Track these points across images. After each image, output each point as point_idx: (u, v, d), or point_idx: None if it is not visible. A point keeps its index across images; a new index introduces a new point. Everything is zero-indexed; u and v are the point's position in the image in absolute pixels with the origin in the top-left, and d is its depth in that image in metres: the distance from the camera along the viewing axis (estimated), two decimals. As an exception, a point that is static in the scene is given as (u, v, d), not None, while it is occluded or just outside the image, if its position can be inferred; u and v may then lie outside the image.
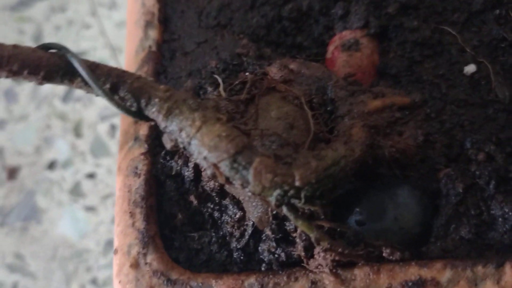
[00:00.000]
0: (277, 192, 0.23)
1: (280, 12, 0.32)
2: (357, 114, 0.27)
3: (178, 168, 0.28)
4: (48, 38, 0.67)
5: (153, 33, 0.33)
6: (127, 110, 0.24)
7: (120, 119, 0.32)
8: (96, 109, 0.58)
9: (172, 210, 0.29)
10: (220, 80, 0.29)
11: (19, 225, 0.60)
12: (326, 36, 0.32)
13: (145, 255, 0.27)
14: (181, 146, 0.24)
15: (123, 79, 0.24)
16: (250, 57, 0.30)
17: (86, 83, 0.24)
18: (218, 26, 0.32)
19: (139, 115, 0.25)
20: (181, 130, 0.24)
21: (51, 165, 0.62)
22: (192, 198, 0.28)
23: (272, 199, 0.23)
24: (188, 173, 0.28)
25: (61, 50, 0.23)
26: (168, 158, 0.29)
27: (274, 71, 0.29)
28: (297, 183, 0.23)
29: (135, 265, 0.27)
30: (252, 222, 0.27)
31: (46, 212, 0.60)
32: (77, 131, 0.59)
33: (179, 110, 0.24)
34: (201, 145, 0.23)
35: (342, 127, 0.26)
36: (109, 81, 0.24)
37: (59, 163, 0.61)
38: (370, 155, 0.26)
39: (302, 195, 0.23)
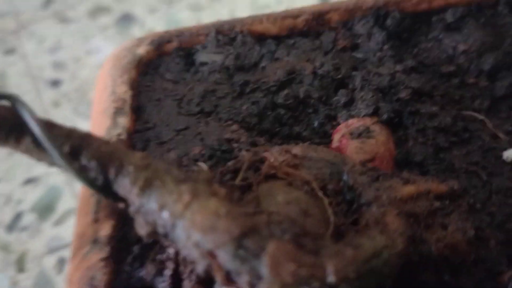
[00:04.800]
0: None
1: (273, 99, 0.28)
2: (387, 200, 0.21)
3: (150, 278, 0.21)
4: None
5: (124, 121, 0.27)
6: (91, 183, 0.18)
7: (74, 224, 0.25)
8: (44, 239, 0.50)
9: None
10: (205, 167, 0.23)
11: None
12: (328, 126, 0.27)
13: None
14: (161, 231, 0.17)
15: (87, 142, 0.18)
16: (241, 142, 0.25)
17: (37, 144, 0.17)
18: (201, 113, 0.27)
19: (104, 190, 0.18)
20: (162, 207, 0.17)
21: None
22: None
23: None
24: (163, 285, 0.20)
25: (12, 100, 0.17)
26: (136, 265, 0.21)
27: (275, 155, 0.23)
28: (330, 279, 0.16)
29: None
30: None
31: None
32: (20, 265, 0.50)
33: (161, 182, 0.17)
34: (191, 226, 0.16)
35: (370, 216, 0.20)
36: (69, 144, 0.18)
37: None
38: (414, 251, 0.19)
39: (337, 296, 0.16)
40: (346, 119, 0.27)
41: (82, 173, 0.17)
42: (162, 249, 0.21)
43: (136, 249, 0.22)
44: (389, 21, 0.30)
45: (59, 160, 0.17)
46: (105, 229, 0.23)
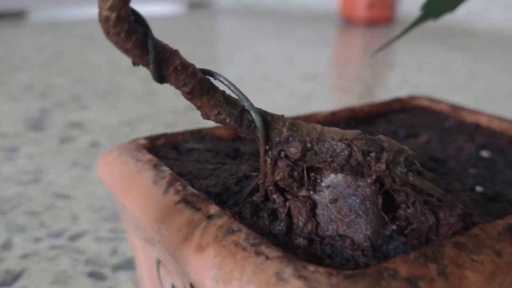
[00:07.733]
0: (403, 156, 0.28)
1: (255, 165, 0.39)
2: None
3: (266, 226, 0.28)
4: None
5: (165, 168, 0.34)
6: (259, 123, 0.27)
7: None
8: None
9: None
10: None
11: None
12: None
13: None
14: (308, 145, 0.27)
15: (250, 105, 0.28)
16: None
17: (225, 98, 0.26)
18: (218, 164, 0.37)
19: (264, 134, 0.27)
20: (307, 134, 0.28)
21: None
22: None
23: (401, 167, 0.27)
24: (279, 227, 0.28)
25: (210, 73, 0.27)
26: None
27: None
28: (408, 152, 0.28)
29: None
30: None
31: None
32: None
33: (298, 124, 0.28)
34: (332, 134, 0.27)
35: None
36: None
37: None
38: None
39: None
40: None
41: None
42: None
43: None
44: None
45: (247, 102, 0.27)
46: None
